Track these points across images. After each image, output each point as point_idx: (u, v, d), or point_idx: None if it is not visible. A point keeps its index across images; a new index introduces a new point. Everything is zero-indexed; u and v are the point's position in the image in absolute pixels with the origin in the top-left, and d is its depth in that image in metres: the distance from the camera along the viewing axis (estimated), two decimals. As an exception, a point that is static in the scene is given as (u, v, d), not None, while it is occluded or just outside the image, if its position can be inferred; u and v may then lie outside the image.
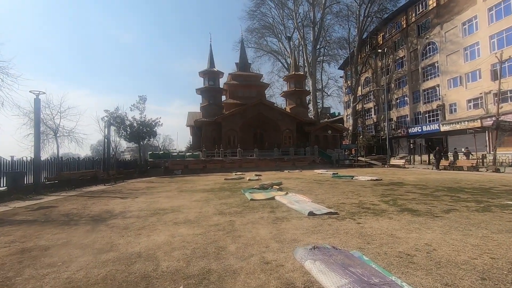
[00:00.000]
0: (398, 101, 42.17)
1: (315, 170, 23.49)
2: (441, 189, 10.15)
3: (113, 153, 20.31)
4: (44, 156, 16.44)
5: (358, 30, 44.48)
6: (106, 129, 18.06)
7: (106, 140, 17.87)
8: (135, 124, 24.83)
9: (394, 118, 42.46)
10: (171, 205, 7.80)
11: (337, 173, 18.93)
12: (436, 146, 27.74)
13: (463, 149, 30.64)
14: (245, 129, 33.92)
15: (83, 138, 19.09)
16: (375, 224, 5.04)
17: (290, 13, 50.70)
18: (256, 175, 19.21)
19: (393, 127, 41.81)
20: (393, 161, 27.95)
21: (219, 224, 5.35)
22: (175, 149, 60.70)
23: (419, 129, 36.29)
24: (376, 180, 13.99)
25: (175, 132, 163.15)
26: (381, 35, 45.31)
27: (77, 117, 18.60)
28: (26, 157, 11.90)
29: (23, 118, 16.00)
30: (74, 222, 5.91)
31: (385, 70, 44.31)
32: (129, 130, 24.59)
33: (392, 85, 42.56)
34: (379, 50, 41.01)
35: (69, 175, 14.36)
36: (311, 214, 5.95)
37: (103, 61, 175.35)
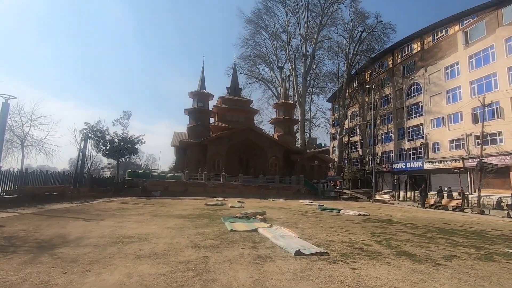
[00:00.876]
0: (383, 136, 43.00)
1: (300, 200, 22.73)
2: (432, 229, 9.63)
3: (87, 168, 18.93)
4: (8, 166, 15.00)
5: (347, 66, 46.21)
6: (83, 143, 16.90)
7: (81, 153, 16.64)
8: (115, 140, 23.65)
9: (379, 153, 42.98)
10: (139, 232, 6.82)
11: (323, 205, 18.24)
12: (421, 183, 27.83)
13: (445, 188, 30.94)
14: (231, 154, 33.18)
15: (53, 150, 17.64)
16: (372, 272, 4.32)
17: (283, 45, 52.50)
18: (239, 201, 18.25)
19: (378, 162, 42.18)
20: (379, 196, 27.66)
21: (190, 261, 4.49)
22: (157, 169, 58.66)
23: (403, 165, 36.68)
24: (364, 215, 13.40)
25: (160, 152, 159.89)
26: (368, 72, 47.20)
27: (49, 126, 17.17)
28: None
29: None
30: (13, 249, 4.87)
31: (371, 105, 45.71)
32: (109, 145, 23.34)
33: (378, 121, 43.60)
34: (367, 86, 42.44)
35: (32, 189, 12.98)
36: (298, 253, 5.18)
37: (95, 74, 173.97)
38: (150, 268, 4.05)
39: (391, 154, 40.93)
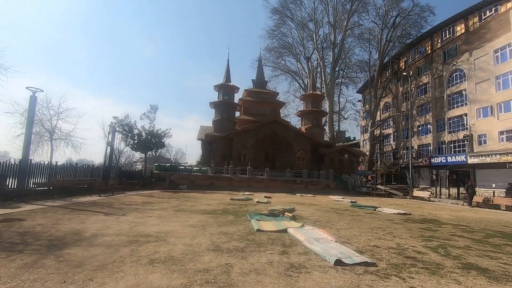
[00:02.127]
0: (420, 128, 39.96)
1: (330, 196, 21.54)
2: (493, 233, 8.21)
3: (115, 162, 19.18)
4: (38, 159, 15.47)
5: (379, 54, 43.40)
6: (110, 136, 17.04)
7: (109, 147, 16.81)
8: (143, 134, 23.89)
9: (415, 147, 40.01)
10: (158, 230, 6.28)
11: (356, 202, 16.98)
12: (464, 179, 25.32)
13: (493, 185, 27.99)
14: (257, 147, 32.48)
15: (81, 143, 18.00)
16: (441, 294, 3.33)
17: (310, 34, 50.45)
18: (266, 197, 17.52)
19: (414, 156, 39.32)
20: (416, 192, 25.58)
21: (210, 270, 3.77)
22: (186, 163, 59.70)
23: (443, 159, 33.79)
24: (405, 214, 12.07)
25: (188, 146, 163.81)
26: (403, 60, 43.96)
27: (75, 119, 17.44)
28: (15, 159, 10.81)
29: (19, 117, 15.09)
30: (21, 248, 4.48)
31: (406, 95, 42.56)
32: (136, 139, 23.64)
33: (414, 112, 40.49)
34: (404, 73, 39.27)
35: (62, 182, 13.17)
36: (339, 263, 4.28)
37: (128, 72, 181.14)
38: (162, 279, 3.39)
39: (429, 148, 37.94)
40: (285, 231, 6.73)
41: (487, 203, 18.69)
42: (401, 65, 44.21)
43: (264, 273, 3.76)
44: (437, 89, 36.75)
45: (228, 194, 18.93)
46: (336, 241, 5.70)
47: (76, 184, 14.17)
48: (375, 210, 13.26)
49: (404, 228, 8.43)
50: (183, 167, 26.78)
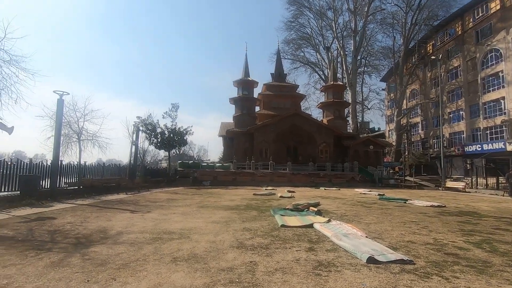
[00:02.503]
0: (451, 115, 37.71)
1: (356, 189, 20.84)
2: (543, 226, 7.42)
3: (140, 160, 19.71)
4: (68, 160, 16.21)
5: (404, 39, 41.28)
6: (134, 135, 17.50)
7: (134, 146, 17.29)
8: (166, 132, 24.37)
9: (447, 135, 37.84)
10: (182, 227, 6.24)
11: (383, 195, 16.25)
12: (508, 168, 23.50)
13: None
14: (278, 141, 32.15)
15: (106, 143, 18.70)
16: (495, 297, 2.94)
17: (329, 23, 48.95)
18: (289, 191, 17.24)
19: (445, 145, 37.20)
20: (450, 183, 24.12)
21: (234, 269, 3.61)
22: (208, 160, 60.67)
23: (478, 147, 31.69)
24: (439, 206, 11.31)
25: (210, 143, 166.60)
26: (430, 43, 41.50)
27: (100, 120, 18.29)
28: (47, 160, 11.33)
29: (48, 120, 15.91)
30: (49, 246, 4.56)
31: (435, 81, 40.23)
32: (160, 137, 24.16)
33: (444, 98, 38.20)
34: (433, 57, 36.97)
35: (91, 181, 13.68)
36: (371, 261, 3.96)
37: (149, 74, 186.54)
38: (184, 278, 3.26)
39: (462, 135, 35.74)
40: (311, 226, 6.46)
41: (531, 193, 17.18)
42: (428, 49, 41.79)
43: (290, 272, 3.53)
44: (470, 72, 34.36)
45: (251, 189, 18.85)
46: (366, 237, 5.35)
47: (104, 183, 14.67)
48: (405, 202, 12.59)
49: (440, 221, 7.85)
50: (205, 164, 27.10)
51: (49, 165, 10.98)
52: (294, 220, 7.09)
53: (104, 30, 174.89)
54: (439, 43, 40.01)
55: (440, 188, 24.27)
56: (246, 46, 63.99)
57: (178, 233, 5.66)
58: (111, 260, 3.87)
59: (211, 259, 4.00)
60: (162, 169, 26.14)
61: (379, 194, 16.33)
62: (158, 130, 24.33)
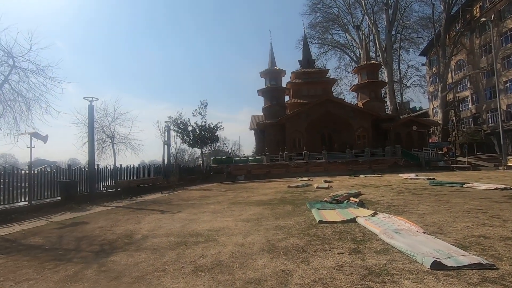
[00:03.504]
0: (507, 85, 33.25)
1: (400, 175, 19.15)
2: None
3: (173, 159, 19.97)
4: (104, 163, 16.82)
5: (444, 5, 37.11)
6: (166, 135, 17.72)
7: (166, 146, 17.52)
8: (197, 130, 24.54)
9: (504, 107, 33.51)
10: (210, 228, 5.80)
11: (434, 179, 14.61)
12: None
13: None
14: (311, 130, 30.92)
15: (138, 145, 19.21)
16: None
17: (357, 0, 45.71)
18: (326, 181, 16.27)
19: (503, 118, 32.99)
20: (512, 161, 21.24)
21: (263, 281, 3.01)
22: (243, 154, 60.94)
23: (545, 118, 27.54)
24: (506, 189, 9.69)
25: (244, 137, 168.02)
26: (477, 6, 36.78)
27: (130, 122, 18.44)
28: (84, 166, 11.72)
29: (82, 127, 16.65)
30: (70, 256, 4.35)
31: (485, 48, 35.72)
32: (191, 135, 24.40)
33: (499, 66, 33.70)
34: (483, 19, 32.67)
35: (128, 183, 14.01)
36: (437, 266, 3.11)
37: (178, 74, 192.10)
38: (203, 295, 2.73)
39: (524, 106, 31.35)
40: (353, 221, 5.64)
41: None
42: (475, 12, 37.12)
43: (333, 285, 2.84)
44: (529, 32, 29.83)
45: (286, 182, 18.18)
46: (424, 232, 4.42)
47: (140, 183, 14.99)
48: (462, 186, 11.05)
49: (512, 207, 6.53)
50: (238, 159, 26.94)
51: (86, 170, 11.36)
52: (333, 214, 6.31)
53: (124, 34, 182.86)
54: (488, 4, 35.27)
55: (501, 168, 21.46)
56: (270, 34, 62.71)
57: (205, 235, 5.22)
58: (128, 271, 3.49)
59: (238, 268, 3.45)
60: (197, 167, 26.51)
61: (428, 179, 14.71)
62: (189, 128, 24.57)
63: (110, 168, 13.83)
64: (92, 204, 10.75)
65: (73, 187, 10.43)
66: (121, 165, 15.08)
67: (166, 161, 17.89)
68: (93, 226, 6.64)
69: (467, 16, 37.67)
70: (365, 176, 19.82)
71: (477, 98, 38.08)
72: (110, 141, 17.60)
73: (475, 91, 38.26)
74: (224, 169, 25.70)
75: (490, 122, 35.70)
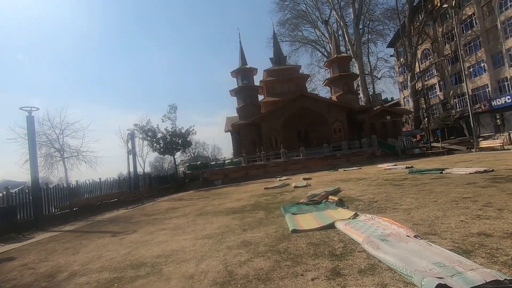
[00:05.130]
0: (471, 70, 34.41)
1: (379, 165, 18.85)
2: None
3: (142, 169, 18.42)
4: (58, 180, 15.01)
5: (407, -4, 37.93)
6: (130, 143, 16.22)
7: (130, 155, 16.03)
8: (167, 136, 23.07)
9: (469, 91, 34.62)
10: (161, 251, 4.72)
11: (412, 167, 14.28)
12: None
13: None
14: (287, 127, 30.30)
15: (96, 157, 17.19)
16: None
17: (324, -5, 45.90)
18: (305, 178, 15.55)
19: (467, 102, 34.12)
20: (484, 143, 21.63)
21: None
22: (224, 157, 59.56)
23: (508, 99, 28.70)
24: (486, 172, 9.33)
25: (223, 140, 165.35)
26: (437, -5, 37.91)
27: (81, 132, 16.30)
28: (28, 187, 10.13)
29: (25, 141, 14.15)
30: None
31: (448, 36, 36.92)
32: (162, 142, 22.91)
33: (461, 52, 34.89)
34: (445, 5, 33.58)
35: (86, 201, 12.49)
36: (443, 291, 2.26)
37: (152, 81, 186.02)
38: None
39: (487, 89, 32.59)
40: (332, 226, 4.78)
41: None
42: (435, 2, 38.22)
43: None
44: (487, 18, 31.00)
45: (264, 183, 17.29)
46: (416, 237, 3.61)
47: (103, 200, 13.50)
48: (441, 173, 10.64)
49: (501, 192, 5.97)
50: (214, 163, 25.72)
51: (27, 192, 9.75)
52: (309, 220, 5.43)
53: (97, 42, 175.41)
54: (447, -6, 36.44)
55: (473, 150, 21.83)
56: (239, 33, 61.63)
57: (150, 264, 4.13)
58: None
59: (172, 321, 2.42)
60: (170, 175, 24.98)
61: (407, 167, 14.37)
62: (159, 135, 23.06)
63: (63, 186, 12.23)
64: (38, 230, 9.25)
65: (11, 214, 8.86)
66: (77, 181, 13.51)
67: (134, 172, 16.37)
68: (16, 263, 5.33)
69: (429, 6, 38.75)
70: (344, 170, 19.37)
71: (444, 84, 39.29)
72: (60, 155, 15.68)
73: (442, 78, 39.46)
74: (200, 175, 24.41)
75: (457, 107, 36.88)
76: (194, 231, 6.02)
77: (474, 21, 32.89)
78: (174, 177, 23.85)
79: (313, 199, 7.44)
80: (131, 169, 16.32)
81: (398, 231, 3.83)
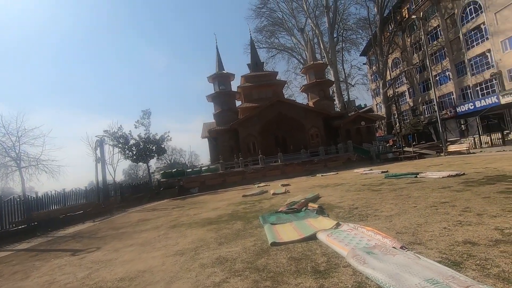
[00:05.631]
0: (437, 78, 36.38)
1: (355, 170, 19.10)
2: None
3: (112, 178, 17.34)
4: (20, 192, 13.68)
5: (378, 8, 39.61)
6: (99, 150, 15.16)
7: (99, 163, 14.97)
8: (140, 143, 22.02)
9: (436, 98, 36.54)
10: (125, 273, 4.19)
11: (387, 171, 14.54)
12: (505, 123, 22.22)
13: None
14: (265, 133, 30.18)
15: (58, 166, 15.89)
16: None
17: (300, 4, 46.88)
18: (283, 185, 15.34)
19: (435, 109, 35.95)
20: (452, 147, 22.70)
21: None
22: (202, 164, 58.24)
23: (471, 106, 30.50)
24: (458, 175, 9.59)
25: (200, 146, 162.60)
26: (405, 8, 39.99)
27: (41, 139, 14.86)
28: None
29: None
30: None
31: (416, 45, 38.92)
32: (135, 149, 21.81)
33: (428, 61, 36.85)
34: (413, 16, 35.35)
35: (47, 214, 11.40)
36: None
37: (119, 93, 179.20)
38: None
39: (452, 96, 34.52)
40: (313, 237, 4.50)
41: (544, 143, 15.78)
42: (404, 14, 40.26)
43: None
44: (450, 30, 33.00)
45: (242, 190, 16.88)
46: (402, 248, 3.40)
47: (67, 212, 12.41)
48: (416, 177, 10.84)
49: (476, 196, 6.03)
50: (190, 170, 24.90)
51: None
52: (289, 230, 5.12)
53: (65, 48, 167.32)
54: (414, 6, 38.50)
55: (443, 154, 22.83)
56: (215, 38, 60.67)
57: (110, 290, 3.61)
58: None
59: None
60: (143, 183, 23.80)
61: (382, 172, 14.61)
62: (132, 142, 21.96)
63: (20, 199, 11.07)
64: (-12, 249, 8.20)
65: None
66: (36, 193, 12.32)
67: (103, 182, 15.30)
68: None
69: (398, 17, 40.73)
70: (321, 175, 19.43)
71: (413, 92, 41.23)
72: (16, 165, 14.24)
73: (411, 86, 41.40)
74: (175, 183, 23.48)
75: (426, 113, 38.77)
76: (165, 247, 5.50)
77: (439, 32, 34.90)
78: (148, 186, 22.73)
79: (293, 207, 7.16)
80: (100, 178, 15.26)
81: (384, 242, 3.61)
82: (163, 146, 23.05)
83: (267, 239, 4.80)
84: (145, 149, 21.78)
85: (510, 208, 4.73)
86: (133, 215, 12.16)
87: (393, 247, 3.40)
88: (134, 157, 21.94)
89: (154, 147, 22.40)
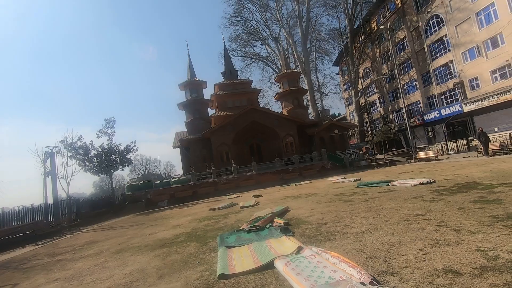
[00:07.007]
0: (405, 87, 37.75)
1: (329, 178, 18.77)
2: None
3: (66, 193, 15.63)
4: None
5: (348, 20, 40.81)
6: (49, 163, 13.57)
7: (48, 177, 13.38)
8: (102, 154, 20.37)
9: (405, 107, 37.81)
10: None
11: (360, 180, 14.23)
12: (468, 129, 23.09)
13: (495, 129, 26.22)
14: (239, 142, 29.40)
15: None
16: None
17: (274, 15, 47.31)
18: (255, 196, 14.58)
19: (404, 117, 37.17)
20: (421, 154, 23.16)
21: None
22: (178, 174, 56.04)
23: (437, 114, 31.75)
24: (429, 183, 9.32)
25: (176, 158, 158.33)
26: (374, 20, 41.47)
27: None
28: None
29: None
30: None
31: (385, 56, 40.36)
32: (96, 161, 20.11)
33: (397, 71, 38.20)
34: (381, 26, 36.49)
35: (-23, 238, 9.76)
36: None
37: (99, 101, 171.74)
38: None
39: (419, 105, 35.85)
40: (271, 266, 3.73)
41: (506, 149, 16.31)
42: (373, 26, 41.71)
43: None
44: (416, 42, 34.49)
45: (212, 202, 15.89)
46: (372, 282, 2.71)
47: (5, 235, 10.75)
48: (388, 185, 10.51)
49: (450, 207, 5.58)
50: (159, 182, 23.42)
51: None
52: (245, 256, 4.31)
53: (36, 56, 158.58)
54: (382, 19, 40.05)
55: (413, 161, 23.21)
56: (187, 44, 60.18)
57: None
58: None
59: None
60: (105, 198, 21.96)
61: (355, 180, 14.28)
62: (93, 152, 20.26)
63: None
64: None
65: None
66: (-36, 214, 10.61)
67: (54, 198, 13.65)
68: None
69: (367, 29, 42.17)
70: (296, 185, 18.88)
71: (383, 101, 42.51)
72: None
73: (381, 95, 42.70)
74: (142, 196, 21.91)
75: (396, 121, 39.98)
76: (95, 282, 4.47)
77: (405, 44, 36.39)
78: (111, 200, 20.98)
79: (256, 224, 6.37)
80: (49, 194, 13.63)
81: (350, 274, 2.90)
82: (128, 156, 21.50)
83: (215, 270, 3.96)
84: (108, 160, 20.13)
85: (487, 221, 4.26)
86: (83, 236, 10.76)
87: (360, 282, 2.69)
88: (96, 169, 20.20)
89: (118, 158, 20.79)
